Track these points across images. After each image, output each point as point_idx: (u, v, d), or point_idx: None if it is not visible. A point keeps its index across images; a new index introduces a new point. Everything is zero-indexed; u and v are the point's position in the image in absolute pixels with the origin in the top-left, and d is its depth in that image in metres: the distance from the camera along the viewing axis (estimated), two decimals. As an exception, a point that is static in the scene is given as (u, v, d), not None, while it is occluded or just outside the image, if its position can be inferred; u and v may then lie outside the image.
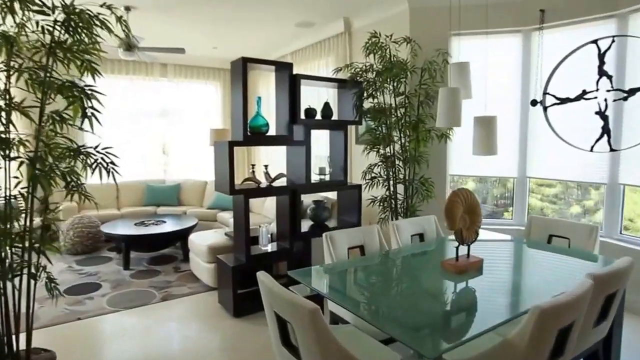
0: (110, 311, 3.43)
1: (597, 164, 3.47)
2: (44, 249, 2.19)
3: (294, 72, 3.40)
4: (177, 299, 3.68)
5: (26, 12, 2.01)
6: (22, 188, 2.13)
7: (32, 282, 2.22)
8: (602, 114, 3.35)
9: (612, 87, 3.29)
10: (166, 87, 7.00)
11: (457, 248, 2.17)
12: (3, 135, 2.03)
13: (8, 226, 2.08)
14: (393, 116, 3.67)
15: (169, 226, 4.78)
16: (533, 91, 3.72)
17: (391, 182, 3.83)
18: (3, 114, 2.01)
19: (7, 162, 2.07)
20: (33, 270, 2.20)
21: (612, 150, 3.32)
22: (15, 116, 2.09)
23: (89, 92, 2.09)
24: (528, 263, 2.39)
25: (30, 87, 2.06)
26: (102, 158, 2.26)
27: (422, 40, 3.84)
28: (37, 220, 2.47)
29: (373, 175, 3.86)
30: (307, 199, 4.44)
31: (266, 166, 3.45)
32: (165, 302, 3.60)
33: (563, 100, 3.45)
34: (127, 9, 4.43)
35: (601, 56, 3.33)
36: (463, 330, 1.56)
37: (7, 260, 2.12)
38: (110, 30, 2.35)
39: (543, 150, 3.78)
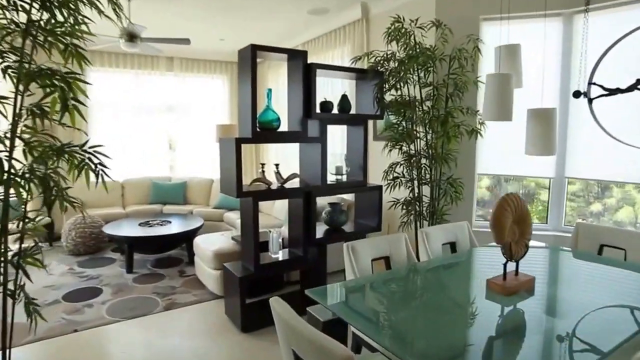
0: (110, 321, 3.16)
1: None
2: (23, 264, 1.90)
3: (309, 61, 3.06)
4: (181, 308, 3.40)
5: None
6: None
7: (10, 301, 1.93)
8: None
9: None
10: (172, 81, 6.76)
11: (504, 265, 1.82)
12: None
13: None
14: (418, 110, 3.31)
15: (174, 227, 4.50)
16: (576, 81, 3.32)
17: (415, 183, 3.48)
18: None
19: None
20: (11, 287, 1.91)
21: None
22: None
23: (70, 80, 1.77)
24: (586, 280, 2.03)
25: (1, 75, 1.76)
26: (89, 158, 1.95)
27: (449, 26, 3.45)
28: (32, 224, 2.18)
29: (395, 175, 3.51)
30: (322, 201, 4.12)
31: (277, 165, 3.13)
32: (168, 312, 3.31)
33: (612, 91, 3.05)
34: (129, -5, 4.14)
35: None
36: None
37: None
38: (100, 11, 2.04)
39: (584, 148, 3.39)
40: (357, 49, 4.81)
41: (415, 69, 3.25)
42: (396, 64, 3.35)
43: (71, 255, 4.87)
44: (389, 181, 3.51)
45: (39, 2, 1.80)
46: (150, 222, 4.73)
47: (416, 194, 3.46)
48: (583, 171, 3.42)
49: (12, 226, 1.93)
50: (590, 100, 3.19)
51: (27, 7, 1.79)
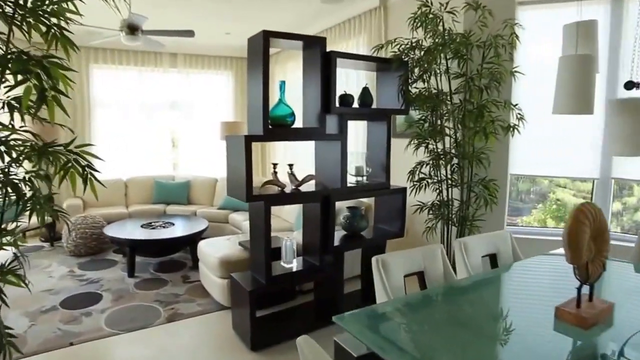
0: (108, 334, 2.89)
1: None
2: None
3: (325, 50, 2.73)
4: (185, 320, 3.11)
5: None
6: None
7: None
8: None
9: None
10: (175, 78, 6.53)
11: (578, 289, 1.49)
12: None
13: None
14: (448, 103, 2.97)
15: (177, 229, 4.22)
16: (627, 71, 2.96)
17: (444, 185, 3.15)
18: None
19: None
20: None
21: None
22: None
23: (49, 65, 1.47)
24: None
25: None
26: (75, 159, 1.65)
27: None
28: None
29: (422, 176, 3.18)
30: (339, 204, 3.79)
31: (291, 166, 2.82)
32: (170, 325, 3.03)
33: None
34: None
35: None
36: None
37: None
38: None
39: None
40: (374, 40, 4.47)
41: (445, 58, 2.91)
42: (422, 53, 3.01)
43: (72, 256, 4.63)
44: (414, 183, 3.18)
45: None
46: (152, 223, 4.46)
47: (445, 197, 3.14)
48: (632, 171, 3.07)
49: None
50: (644, 93, 2.83)
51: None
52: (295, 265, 2.86)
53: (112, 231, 4.13)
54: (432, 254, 2.06)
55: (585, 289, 1.52)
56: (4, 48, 1.54)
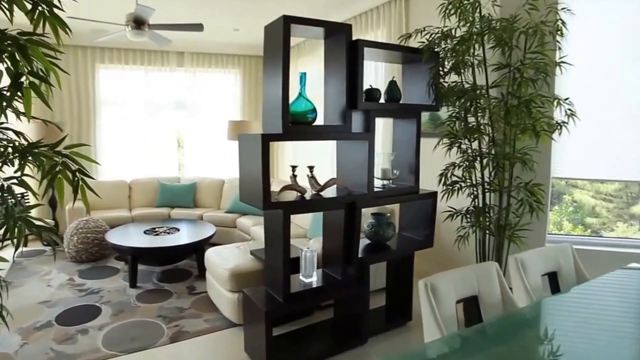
0: (105, 356, 2.58)
1: None
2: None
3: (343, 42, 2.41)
4: (190, 339, 2.80)
5: None
6: None
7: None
8: None
9: None
10: (182, 77, 6.30)
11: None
12: None
13: None
14: (486, 98, 2.65)
15: (183, 236, 3.91)
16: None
17: (479, 189, 2.83)
18: None
19: None
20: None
21: None
22: None
23: (28, 44, 1.16)
24: None
25: None
26: (64, 162, 1.35)
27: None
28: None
29: (455, 179, 2.86)
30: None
31: (311, 168, 2.50)
32: (174, 345, 2.72)
33: None
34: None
35: None
36: None
37: None
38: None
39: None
40: (394, 33, 4.16)
41: (482, 47, 2.59)
42: (455, 43, 2.69)
43: (73, 262, 4.35)
44: (446, 187, 2.86)
45: None
46: (156, 229, 4.16)
47: (481, 203, 2.81)
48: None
49: None
50: None
51: None
52: (315, 279, 2.54)
53: (114, 238, 3.83)
54: (487, 273, 1.74)
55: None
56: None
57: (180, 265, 4.26)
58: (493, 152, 2.74)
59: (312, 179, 2.49)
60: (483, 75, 2.76)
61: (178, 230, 4.13)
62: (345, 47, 2.38)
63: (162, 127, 6.17)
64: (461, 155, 2.90)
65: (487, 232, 2.85)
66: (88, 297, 3.47)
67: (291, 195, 2.38)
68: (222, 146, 6.38)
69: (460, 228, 2.97)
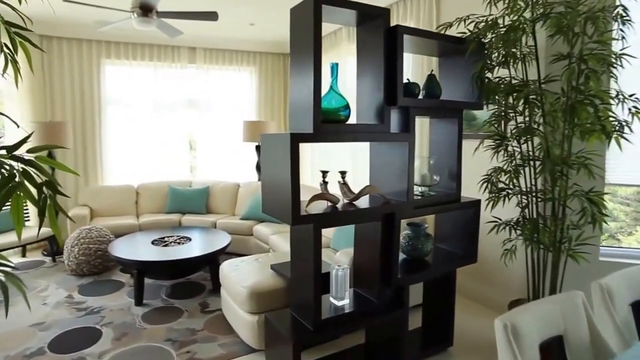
0: (107, 389, 2.27)
1: None
2: None
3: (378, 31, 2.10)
4: (205, 368, 2.48)
5: None
6: None
7: None
8: None
9: None
10: (194, 74, 5.94)
11: None
12: None
13: None
14: (548, 94, 2.31)
15: (195, 247, 3.60)
16: None
17: (531, 198, 2.49)
18: None
19: None
20: None
21: None
22: None
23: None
24: None
25: None
26: (24, 171, 1.03)
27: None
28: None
29: (502, 186, 2.52)
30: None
31: (343, 174, 2.18)
32: (186, 376, 2.40)
33: None
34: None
35: None
36: None
37: None
38: None
39: None
40: (423, 26, 3.84)
41: (534, 36, 2.27)
42: (502, 32, 2.36)
43: (73, 276, 4.04)
44: (492, 194, 2.52)
45: None
46: (166, 239, 3.86)
47: (537, 213, 2.47)
48: None
49: None
50: None
51: None
52: (347, 302, 2.21)
53: (118, 250, 3.51)
54: (573, 307, 1.40)
55: None
56: None
57: (192, 278, 3.94)
58: (548, 155, 2.40)
59: (344, 185, 2.17)
60: (533, 69, 2.43)
61: (189, 239, 3.83)
62: (383, 35, 2.06)
63: (173, 127, 5.81)
64: (507, 158, 2.57)
65: (542, 246, 2.50)
66: (87, 317, 3.13)
67: (321, 206, 2.06)
68: (237, 148, 6.07)
69: (506, 241, 2.64)
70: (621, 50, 2.34)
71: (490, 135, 2.61)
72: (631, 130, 2.32)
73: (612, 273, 1.64)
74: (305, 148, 5.96)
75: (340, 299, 2.19)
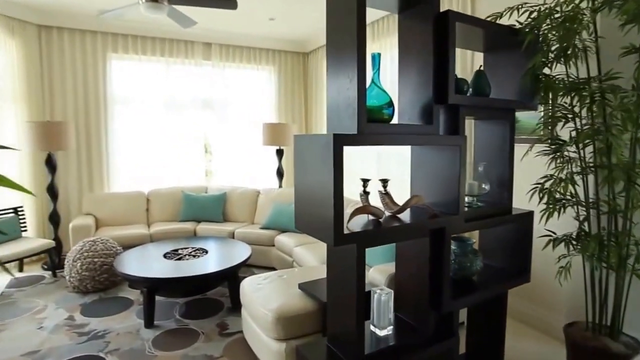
0: None
1: None
2: None
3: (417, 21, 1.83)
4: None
5: None
6: None
7: None
8: None
9: None
10: (209, 72, 5.65)
11: None
12: None
13: None
14: (620, 92, 2.03)
15: (211, 260, 3.33)
16: None
17: (592, 210, 2.19)
18: None
19: None
20: None
21: None
22: None
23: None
24: None
25: None
26: None
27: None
28: None
29: (560, 196, 2.23)
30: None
31: (385, 183, 1.90)
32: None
33: None
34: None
35: None
36: None
37: None
38: None
39: None
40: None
41: (594, 27, 1.99)
42: (560, 21, 2.08)
43: (76, 293, 3.73)
44: (549, 205, 2.23)
45: None
46: (179, 251, 3.59)
47: (599, 226, 2.17)
48: None
49: None
50: None
51: None
52: (390, 332, 1.91)
53: (126, 265, 3.24)
54: None
55: None
56: None
57: (209, 294, 3.65)
58: (613, 161, 2.11)
59: (386, 195, 1.89)
60: (591, 65, 2.15)
61: (206, 252, 3.55)
62: (431, 24, 1.80)
63: (186, 129, 5.50)
64: (561, 165, 2.29)
65: (604, 264, 2.20)
66: (90, 344, 2.82)
67: (361, 220, 1.78)
68: (256, 152, 5.81)
69: (561, 257, 2.34)
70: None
71: (543, 139, 2.32)
72: None
73: None
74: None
75: (383, 328, 1.89)
